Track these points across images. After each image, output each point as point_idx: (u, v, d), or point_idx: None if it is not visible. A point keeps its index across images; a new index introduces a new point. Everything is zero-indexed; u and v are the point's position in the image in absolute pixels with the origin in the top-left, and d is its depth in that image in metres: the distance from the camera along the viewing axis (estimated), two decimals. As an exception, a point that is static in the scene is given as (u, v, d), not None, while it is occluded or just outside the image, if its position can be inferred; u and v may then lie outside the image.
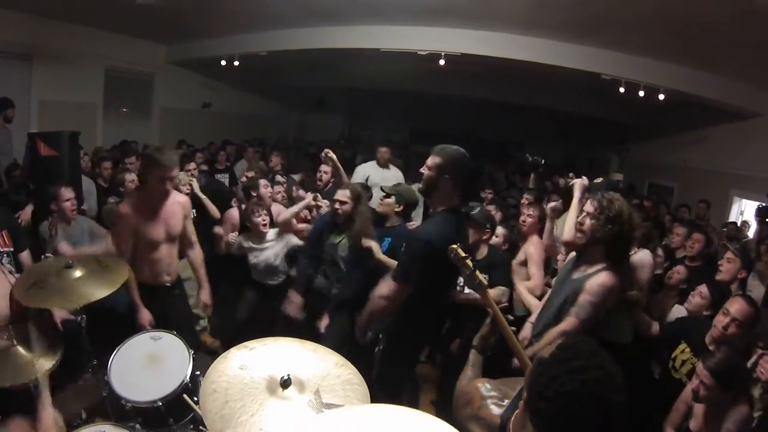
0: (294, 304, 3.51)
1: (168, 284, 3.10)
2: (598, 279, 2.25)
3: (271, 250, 3.82)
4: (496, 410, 1.21)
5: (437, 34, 6.36)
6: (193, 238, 3.29)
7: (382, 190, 3.58)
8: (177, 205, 3.07)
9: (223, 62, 7.92)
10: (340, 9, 6.25)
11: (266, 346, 1.66)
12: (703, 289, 2.99)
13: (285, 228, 3.84)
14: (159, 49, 8.62)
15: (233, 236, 3.98)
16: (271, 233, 3.83)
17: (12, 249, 3.14)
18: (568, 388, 0.93)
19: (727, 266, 3.41)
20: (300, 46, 7.19)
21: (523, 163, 5.61)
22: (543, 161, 5.19)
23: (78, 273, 2.35)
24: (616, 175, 11.59)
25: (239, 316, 3.91)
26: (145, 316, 2.89)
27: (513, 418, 1.15)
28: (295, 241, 3.88)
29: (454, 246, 2.25)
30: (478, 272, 2.24)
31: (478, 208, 3.44)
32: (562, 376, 0.95)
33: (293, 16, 6.63)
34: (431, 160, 2.38)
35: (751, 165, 6.78)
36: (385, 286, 2.44)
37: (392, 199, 3.51)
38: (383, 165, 5.23)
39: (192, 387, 2.22)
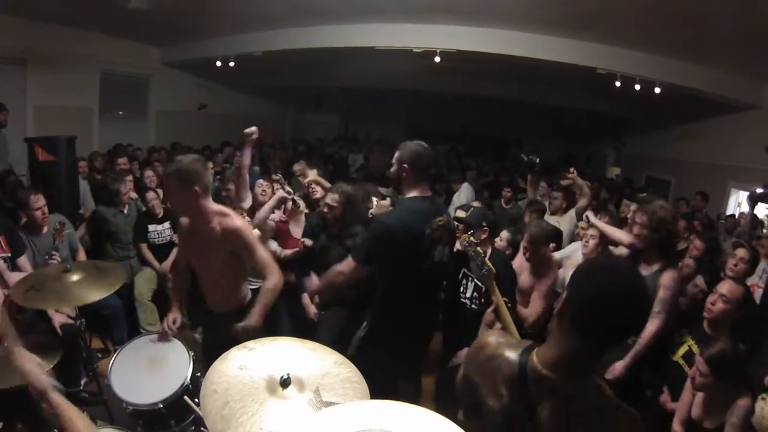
0: (310, 307, 3.51)
1: None
2: (668, 275, 2.72)
3: None
4: (512, 353, 1.25)
5: (432, 32, 6.34)
6: None
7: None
8: None
9: (219, 63, 7.90)
10: (333, 8, 6.24)
11: (265, 346, 1.66)
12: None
13: (260, 229, 3.55)
14: (154, 51, 8.60)
15: None
16: (255, 233, 3.80)
17: (9, 255, 3.14)
18: (608, 275, 1.11)
19: (741, 266, 3.37)
20: (295, 46, 7.18)
21: (519, 162, 5.46)
22: (538, 160, 5.01)
23: (75, 277, 2.40)
24: (613, 170, 11.65)
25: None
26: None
27: (535, 351, 1.22)
28: (273, 246, 3.71)
29: (466, 235, 2.57)
30: (487, 260, 2.40)
31: (471, 210, 3.46)
32: (603, 265, 1.19)
33: (287, 15, 6.62)
34: (395, 156, 2.55)
35: (748, 157, 6.78)
36: (345, 263, 2.52)
37: (387, 201, 3.52)
38: None
39: (192, 388, 2.22)
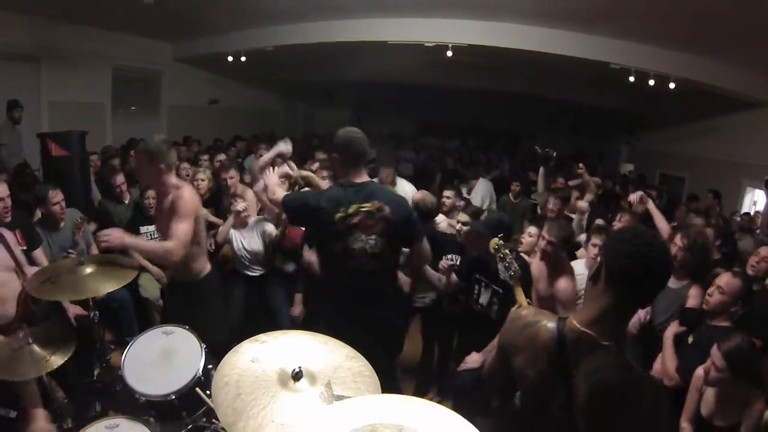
0: (298, 306, 3.56)
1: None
2: (696, 289, 2.84)
3: (251, 238, 3.85)
4: (549, 321, 1.34)
5: (444, 26, 6.31)
6: None
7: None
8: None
9: (230, 58, 7.94)
10: (345, 2, 6.24)
11: (277, 339, 1.66)
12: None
13: (260, 200, 3.31)
14: (165, 47, 8.64)
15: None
16: (251, 221, 3.89)
17: (25, 247, 3.19)
18: (641, 233, 1.27)
19: (764, 265, 3.33)
20: (306, 41, 7.19)
21: (533, 154, 5.25)
22: (555, 153, 4.79)
23: (89, 269, 2.44)
24: (626, 166, 11.50)
25: (233, 316, 3.77)
26: None
27: (571, 316, 1.33)
28: (270, 229, 3.83)
29: (495, 239, 2.62)
30: (515, 262, 2.45)
31: (487, 212, 3.40)
32: (635, 229, 1.34)
33: (298, 10, 6.62)
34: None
35: (763, 154, 6.66)
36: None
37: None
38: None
39: (204, 380, 2.24)
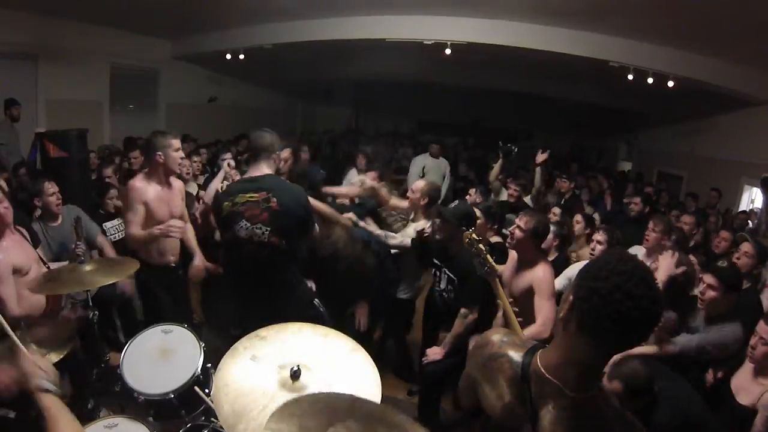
0: None
1: (173, 264, 3.36)
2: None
3: None
4: (515, 353, 1.22)
5: (443, 23, 6.30)
6: (186, 217, 3.54)
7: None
8: (177, 188, 3.36)
9: (228, 56, 7.91)
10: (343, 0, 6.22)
11: (278, 334, 1.66)
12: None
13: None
14: (164, 44, 8.61)
15: None
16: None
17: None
18: (621, 269, 1.02)
19: (744, 260, 3.38)
20: (305, 38, 7.17)
21: (498, 148, 5.69)
22: (515, 149, 5.52)
23: (89, 267, 2.47)
24: (624, 164, 11.52)
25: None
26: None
27: (539, 353, 1.19)
28: None
29: (468, 232, 2.61)
30: (490, 257, 2.38)
31: (453, 204, 3.50)
32: (615, 261, 1.05)
33: (297, 8, 6.60)
34: None
35: (762, 153, 6.66)
36: None
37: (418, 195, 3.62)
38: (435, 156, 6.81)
39: (203, 379, 2.24)
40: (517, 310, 2.60)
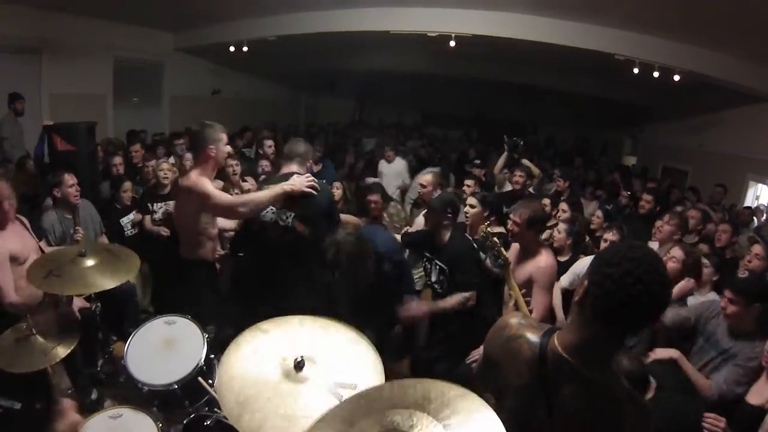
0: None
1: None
2: None
3: None
4: (533, 335, 1.28)
5: (447, 16, 6.26)
6: None
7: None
8: None
9: (232, 48, 7.88)
10: (348, -9, 6.20)
11: (280, 326, 1.66)
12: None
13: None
14: (167, 37, 8.59)
15: None
16: None
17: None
18: (632, 256, 1.11)
19: (756, 263, 3.29)
20: (308, 30, 7.14)
21: (503, 142, 5.68)
22: (521, 142, 5.51)
23: (91, 262, 2.40)
24: (629, 158, 11.46)
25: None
26: None
27: (556, 334, 1.25)
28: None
29: (483, 226, 2.70)
30: (504, 250, 2.37)
31: (440, 192, 3.54)
32: (626, 249, 1.14)
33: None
34: None
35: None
36: None
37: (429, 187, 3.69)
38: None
39: (207, 370, 2.25)
40: (529, 299, 2.61)
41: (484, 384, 1.44)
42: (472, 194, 4.00)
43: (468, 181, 4.75)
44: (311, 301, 2.59)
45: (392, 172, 6.52)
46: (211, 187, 2.77)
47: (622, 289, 1.07)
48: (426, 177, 4.16)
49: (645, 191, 5.35)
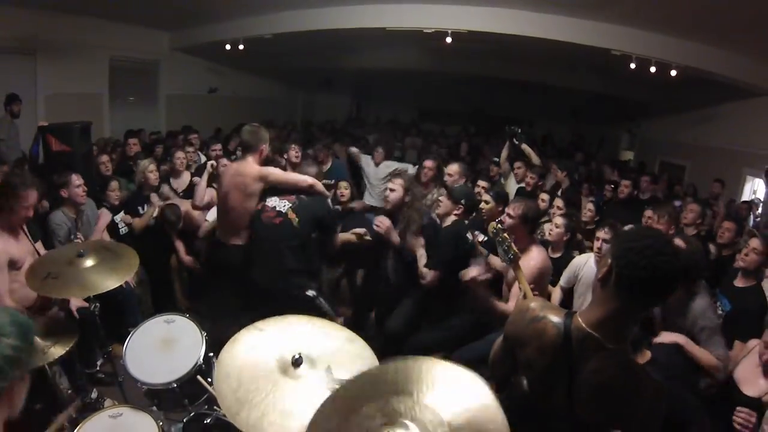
0: None
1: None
2: None
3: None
4: (555, 316, 1.38)
5: (443, 12, 6.24)
6: None
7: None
8: None
9: (228, 46, 7.87)
10: (343, -11, 6.18)
11: (276, 326, 1.67)
12: None
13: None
14: (163, 36, 8.57)
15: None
16: None
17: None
18: (650, 234, 1.30)
19: (752, 257, 3.15)
20: (305, 28, 7.12)
21: (504, 132, 5.85)
22: (519, 130, 5.61)
23: (90, 262, 2.38)
24: (626, 154, 11.47)
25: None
26: None
27: (577, 314, 1.36)
28: None
29: (494, 222, 2.74)
30: (514, 245, 2.49)
31: (458, 184, 3.74)
32: (644, 230, 1.42)
33: (297, -3, 6.56)
34: None
35: (764, 143, 6.62)
36: None
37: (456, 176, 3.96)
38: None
39: (205, 368, 2.25)
40: (537, 293, 2.61)
41: (499, 369, 1.55)
42: (486, 191, 4.15)
43: (481, 182, 4.81)
44: (287, 300, 2.81)
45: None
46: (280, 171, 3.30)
47: (645, 258, 1.20)
48: (453, 167, 4.37)
49: (623, 178, 5.63)
